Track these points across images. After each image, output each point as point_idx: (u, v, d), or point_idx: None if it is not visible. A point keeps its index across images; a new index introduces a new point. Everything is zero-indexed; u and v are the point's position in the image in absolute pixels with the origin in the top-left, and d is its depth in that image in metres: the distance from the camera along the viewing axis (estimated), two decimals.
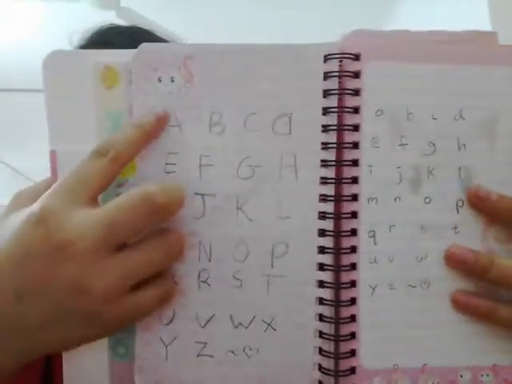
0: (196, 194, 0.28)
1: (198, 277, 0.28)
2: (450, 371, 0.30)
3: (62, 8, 2.37)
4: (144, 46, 0.28)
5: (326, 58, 0.27)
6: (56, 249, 0.26)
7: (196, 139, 0.28)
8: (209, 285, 0.28)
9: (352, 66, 0.27)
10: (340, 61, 0.28)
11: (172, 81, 0.28)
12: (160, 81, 0.28)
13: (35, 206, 0.28)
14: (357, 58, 0.27)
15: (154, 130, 0.28)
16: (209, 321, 0.29)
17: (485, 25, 1.48)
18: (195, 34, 1.04)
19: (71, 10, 2.37)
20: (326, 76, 0.27)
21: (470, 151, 0.29)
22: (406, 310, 0.29)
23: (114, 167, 0.27)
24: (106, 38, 0.61)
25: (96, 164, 0.27)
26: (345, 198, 0.28)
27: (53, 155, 0.31)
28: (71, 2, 2.29)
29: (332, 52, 0.27)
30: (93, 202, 0.28)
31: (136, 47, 0.29)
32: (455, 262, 0.30)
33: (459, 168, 0.29)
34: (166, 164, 0.28)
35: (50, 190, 0.28)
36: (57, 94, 0.29)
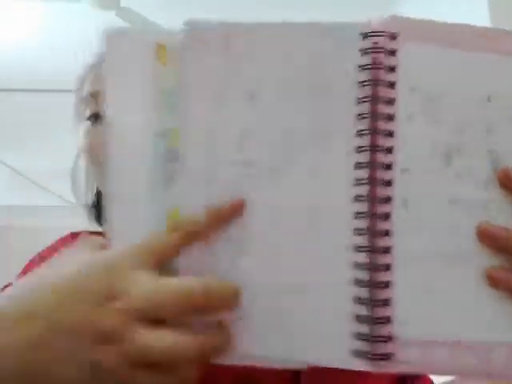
0: (235, 163, 0.29)
1: (240, 245, 0.29)
2: (485, 346, 0.30)
3: (62, 8, 2.37)
4: (192, 20, 0.31)
5: (365, 36, 0.29)
6: (108, 295, 0.27)
7: (236, 112, 0.29)
8: (248, 252, 0.29)
9: (389, 45, 0.29)
10: (375, 41, 0.29)
11: (215, 57, 0.29)
12: (202, 57, 0.29)
13: (106, 253, 0.30)
14: (394, 37, 0.29)
15: (226, 217, 0.29)
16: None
17: (485, 25, 1.49)
18: None
19: (71, 10, 2.37)
20: (364, 52, 0.29)
21: (499, 135, 0.29)
22: (440, 279, 0.29)
23: (184, 242, 0.29)
24: None
25: (167, 239, 0.29)
26: (379, 166, 0.29)
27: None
28: (71, 2, 2.29)
29: (369, 30, 0.29)
30: (156, 267, 0.29)
31: None
32: (487, 238, 0.29)
33: (489, 150, 0.30)
34: (207, 138, 0.29)
35: (122, 247, 0.29)
36: (116, 70, 0.30)
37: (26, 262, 0.55)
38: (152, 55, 0.29)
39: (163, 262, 0.29)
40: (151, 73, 0.29)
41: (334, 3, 2.33)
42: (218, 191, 0.29)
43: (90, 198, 0.59)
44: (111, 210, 0.30)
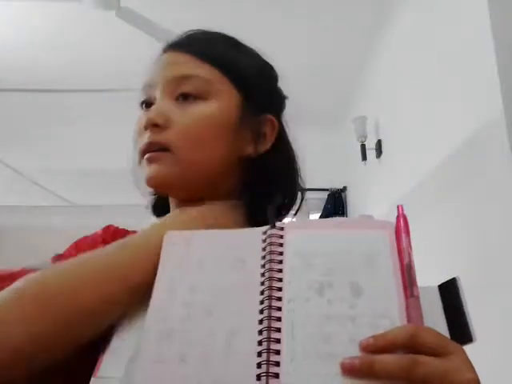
0: (185, 303, 0.46)
1: (180, 357, 0.42)
2: None
3: (62, 8, 2.37)
4: (168, 234, 0.52)
5: (265, 232, 0.49)
6: None
7: (189, 273, 0.48)
8: (185, 362, 0.42)
9: (279, 233, 0.48)
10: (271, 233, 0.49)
11: (180, 246, 0.50)
12: (173, 245, 0.51)
13: None
14: (282, 229, 0.49)
15: None
16: None
17: (485, 25, 1.48)
18: None
19: (71, 10, 2.37)
20: (264, 240, 0.49)
21: (357, 272, 0.44)
22: (318, 374, 0.40)
23: None
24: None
25: None
26: (274, 298, 0.44)
27: None
28: (71, 2, 2.29)
29: (267, 229, 0.49)
30: None
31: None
32: (349, 371, 0.38)
33: (351, 282, 0.44)
34: (170, 287, 0.47)
35: None
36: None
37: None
38: None
39: None
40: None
41: (335, 3, 2.34)
42: (169, 324, 0.45)
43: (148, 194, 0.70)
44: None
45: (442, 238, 1.78)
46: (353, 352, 0.39)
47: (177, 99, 0.59)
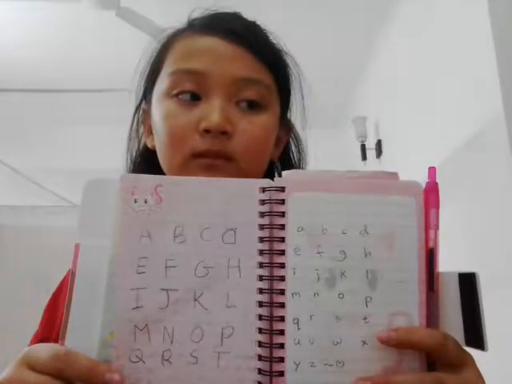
0: (162, 289, 0.37)
1: (162, 356, 0.36)
2: None
3: (62, 8, 2.37)
4: (124, 176, 0.39)
5: (263, 190, 0.38)
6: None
7: (163, 247, 0.37)
8: (170, 363, 0.36)
9: (279, 196, 0.38)
10: (271, 194, 0.38)
11: (145, 202, 0.38)
12: (136, 201, 0.38)
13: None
14: (283, 189, 0.38)
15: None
16: None
17: (485, 24, 1.48)
18: None
19: (71, 10, 2.37)
20: (262, 202, 0.38)
21: (374, 258, 0.37)
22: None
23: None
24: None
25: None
26: (275, 292, 0.37)
27: (76, 247, 0.38)
28: (71, 2, 2.29)
29: (266, 186, 0.38)
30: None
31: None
32: None
33: (366, 271, 0.37)
34: (138, 266, 0.37)
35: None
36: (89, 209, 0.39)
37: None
38: (115, 197, 0.38)
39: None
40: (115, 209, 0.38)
41: (335, 3, 2.33)
42: (143, 317, 0.36)
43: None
44: (72, 314, 0.37)
45: (441, 238, 1.78)
46: (365, 358, 0.36)
47: (237, 104, 0.55)
